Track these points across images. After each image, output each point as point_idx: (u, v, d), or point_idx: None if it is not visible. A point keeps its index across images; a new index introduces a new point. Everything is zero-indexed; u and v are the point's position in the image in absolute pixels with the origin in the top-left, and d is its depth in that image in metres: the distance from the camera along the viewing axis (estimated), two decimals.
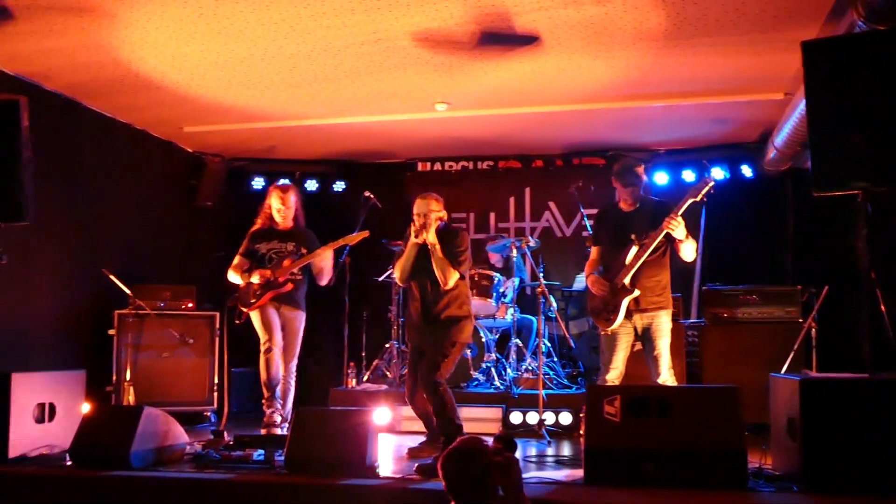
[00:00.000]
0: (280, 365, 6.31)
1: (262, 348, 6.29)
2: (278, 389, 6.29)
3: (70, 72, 6.61)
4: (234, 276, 6.40)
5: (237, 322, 6.38)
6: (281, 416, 6.27)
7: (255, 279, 6.23)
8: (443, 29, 5.77)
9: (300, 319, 6.41)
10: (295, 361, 6.39)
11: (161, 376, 7.48)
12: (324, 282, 6.45)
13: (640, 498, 4.20)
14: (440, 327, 5.54)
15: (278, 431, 6.11)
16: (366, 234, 6.39)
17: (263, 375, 6.27)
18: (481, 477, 3.11)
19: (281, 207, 6.39)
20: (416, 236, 5.54)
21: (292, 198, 6.45)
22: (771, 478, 4.62)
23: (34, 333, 6.88)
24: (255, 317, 6.33)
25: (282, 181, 6.86)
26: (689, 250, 5.39)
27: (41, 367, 6.09)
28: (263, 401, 6.29)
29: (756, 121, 7.97)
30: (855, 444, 4.30)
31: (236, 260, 6.45)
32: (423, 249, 5.57)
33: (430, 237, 5.47)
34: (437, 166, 9.64)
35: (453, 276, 5.48)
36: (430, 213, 5.57)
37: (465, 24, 5.69)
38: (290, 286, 6.28)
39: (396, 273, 5.78)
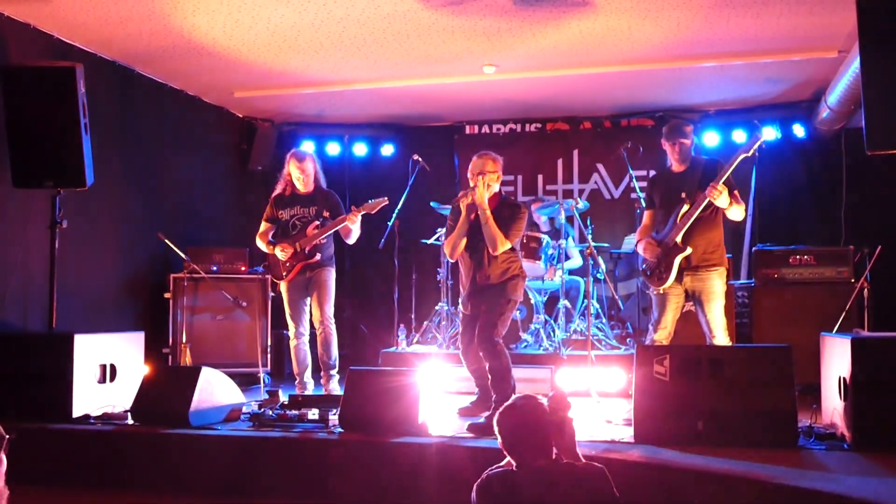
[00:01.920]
0: (307, 353, 6.46)
1: (290, 335, 6.46)
2: (309, 371, 6.48)
3: (123, 39, 6.72)
4: (260, 244, 6.53)
5: (272, 293, 6.50)
6: (307, 386, 6.46)
7: (280, 254, 6.32)
8: None
9: (328, 275, 6.43)
10: (330, 308, 6.39)
11: (215, 338, 7.64)
12: (351, 241, 6.47)
13: (690, 456, 4.24)
14: (495, 289, 5.54)
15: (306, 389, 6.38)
16: (385, 201, 6.36)
17: (294, 364, 6.46)
18: (538, 434, 3.16)
19: (300, 176, 6.41)
20: (468, 201, 5.49)
21: (310, 165, 6.44)
22: (822, 436, 4.61)
23: (95, 296, 7.08)
24: (284, 292, 6.44)
25: (296, 149, 6.81)
26: (736, 214, 5.36)
27: (102, 329, 6.25)
28: (297, 381, 6.49)
29: (808, 80, 7.84)
30: None
31: (262, 227, 6.55)
32: (474, 222, 5.56)
33: (479, 197, 5.41)
34: (485, 129, 9.64)
35: (504, 245, 5.46)
36: (485, 173, 5.52)
37: None
38: (317, 256, 6.33)
39: (447, 249, 5.73)
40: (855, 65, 5.88)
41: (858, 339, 4.48)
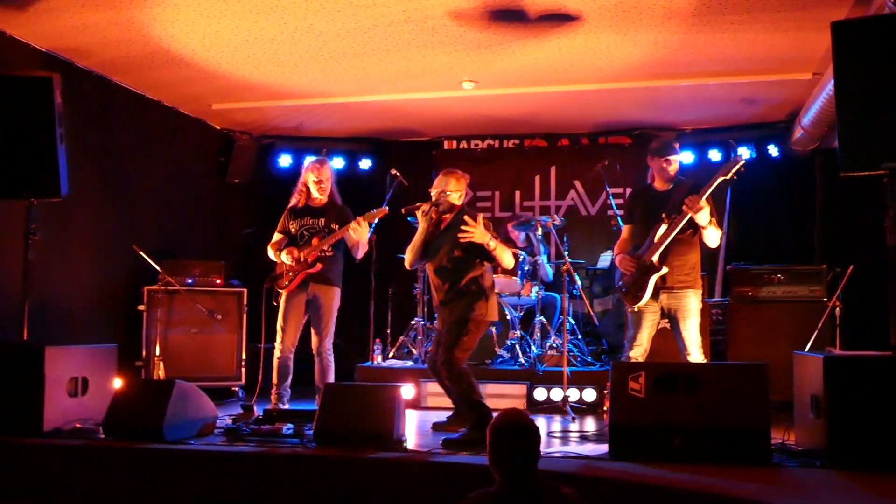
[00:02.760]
0: (290, 368, 6.27)
1: (276, 346, 6.27)
2: (288, 384, 6.28)
3: (101, 48, 6.68)
4: (271, 254, 6.41)
5: (274, 303, 6.38)
6: (284, 399, 6.27)
7: (285, 259, 6.22)
8: (471, 8, 5.79)
9: (332, 295, 6.27)
10: (330, 339, 6.27)
11: (190, 351, 7.57)
12: (359, 255, 6.34)
13: (664, 472, 4.25)
14: (453, 306, 5.49)
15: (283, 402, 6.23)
16: (385, 210, 6.30)
17: (274, 374, 6.26)
18: (529, 452, 3.19)
19: (319, 178, 6.32)
20: (426, 212, 5.55)
21: (327, 170, 6.40)
22: (795, 454, 4.66)
23: (67, 309, 7.00)
24: (282, 302, 6.29)
25: (317, 157, 6.79)
26: (712, 237, 5.39)
27: (74, 341, 6.19)
28: (273, 391, 6.28)
29: (784, 100, 7.94)
30: (878, 421, 4.33)
31: (275, 237, 6.44)
32: (435, 230, 5.59)
33: (479, 236, 5.31)
34: (464, 145, 9.68)
35: (509, 259, 5.46)
36: (446, 191, 5.56)
37: (493, 3, 5.70)
38: (319, 266, 6.20)
39: (406, 257, 5.72)
40: (829, 87, 5.97)
41: (830, 358, 4.52)
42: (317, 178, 6.34)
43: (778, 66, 6.98)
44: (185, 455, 4.94)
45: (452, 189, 5.59)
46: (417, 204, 5.71)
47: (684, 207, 5.20)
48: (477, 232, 5.31)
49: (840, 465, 4.31)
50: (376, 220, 6.26)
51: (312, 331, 6.29)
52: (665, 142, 5.66)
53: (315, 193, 6.37)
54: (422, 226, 5.61)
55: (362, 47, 6.59)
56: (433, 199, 5.59)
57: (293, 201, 6.47)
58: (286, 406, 6.25)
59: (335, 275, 6.32)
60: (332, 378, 6.27)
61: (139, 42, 6.52)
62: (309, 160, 6.59)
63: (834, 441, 4.37)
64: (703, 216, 5.21)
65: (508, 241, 8.25)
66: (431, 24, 6.08)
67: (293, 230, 6.36)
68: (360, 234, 6.14)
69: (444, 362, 5.38)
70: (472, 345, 5.48)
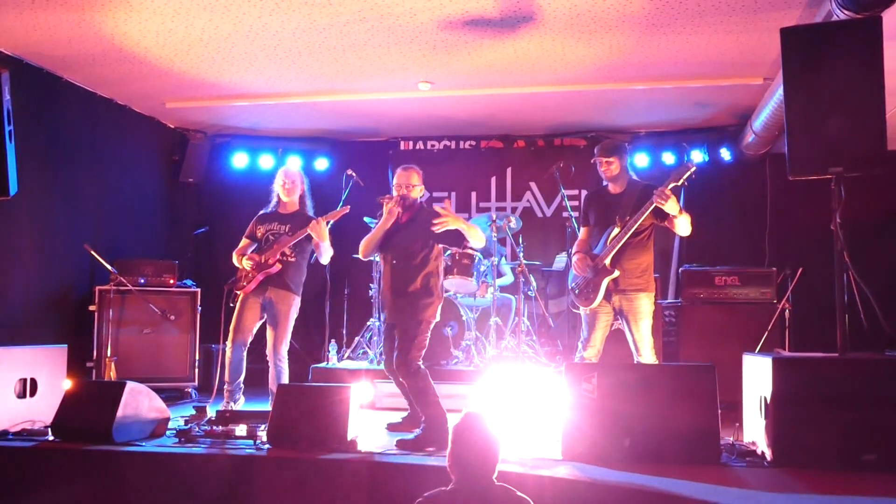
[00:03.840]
0: (243, 364, 6.15)
1: (228, 344, 6.16)
2: (240, 381, 6.16)
3: (51, 45, 6.57)
4: (235, 259, 6.29)
5: (231, 304, 6.29)
6: (236, 397, 6.17)
7: (246, 264, 6.12)
8: (427, 9, 5.80)
9: (289, 302, 6.16)
10: (285, 345, 6.16)
11: (142, 352, 7.50)
12: (325, 258, 6.26)
13: (615, 473, 4.29)
14: (408, 303, 5.47)
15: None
16: (346, 209, 6.26)
17: (226, 373, 6.15)
18: (488, 454, 3.23)
19: (284, 181, 6.27)
20: (391, 208, 5.55)
21: (296, 175, 6.34)
22: (743, 453, 4.72)
23: (15, 309, 6.89)
24: (238, 303, 6.19)
25: (288, 166, 6.69)
26: (684, 224, 5.40)
27: (22, 342, 6.10)
28: (226, 388, 6.19)
29: (736, 105, 8.06)
30: (824, 421, 4.42)
31: (241, 243, 6.33)
32: (392, 229, 5.59)
33: (453, 223, 5.38)
34: (420, 145, 9.69)
35: (478, 237, 5.48)
36: (410, 186, 5.59)
37: (449, 4, 5.72)
38: (278, 267, 6.09)
39: (361, 246, 5.70)
40: (779, 92, 6.06)
41: (778, 359, 4.60)
42: (282, 180, 6.29)
43: (730, 70, 7.08)
44: (136, 457, 4.89)
45: (415, 182, 5.64)
46: (389, 196, 5.67)
47: (654, 198, 5.22)
48: (450, 218, 5.36)
49: (786, 464, 4.41)
50: (334, 220, 6.20)
51: (269, 336, 6.19)
52: (604, 144, 5.69)
53: (282, 195, 6.30)
54: (384, 218, 5.60)
55: (318, 46, 6.56)
56: (399, 194, 5.60)
57: (268, 208, 6.39)
58: (238, 405, 6.19)
59: (294, 282, 6.21)
60: (286, 382, 6.15)
61: (90, 39, 6.43)
62: (282, 170, 6.49)
63: (780, 440, 4.46)
64: (672, 206, 5.24)
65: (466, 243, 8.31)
66: (387, 24, 6.08)
67: (259, 234, 6.28)
68: (319, 232, 6.05)
69: (402, 363, 5.36)
70: (426, 344, 5.48)
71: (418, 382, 5.35)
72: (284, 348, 6.16)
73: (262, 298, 6.15)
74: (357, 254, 5.69)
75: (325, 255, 6.23)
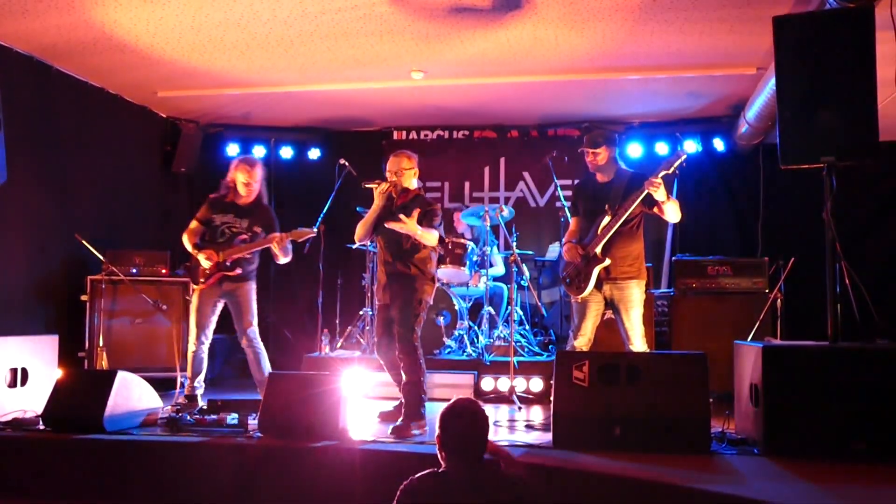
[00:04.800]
0: (204, 360, 6.21)
1: (191, 341, 6.18)
2: (201, 378, 6.22)
3: (42, 33, 6.54)
4: (186, 242, 6.25)
5: (187, 297, 6.30)
6: (199, 391, 6.21)
7: (204, 261, 6.08)
8: None
9: (248, 289, 6.22)
10: (254, 327, 6.19)
11: (134, 342, 7.48)
12: (281, 262, 6.28)
13: (606, 461, 4.30)
14: (404, 285, 5.55)
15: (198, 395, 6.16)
16: (313, 233, 6.23)
17: (189, 369, 6.19)
18: (478, 440, 3.25)
19: (249, 181, 6.20)
20: (384, 191, 5.63)
21: (259, 172, 6.29)
22: (733, 441, 4.74)
23: (6, 298, 6.86)
24: (195, 297, 6.19)
25: (247, 155, 6.64)
26: (672, 211, 5.37)
27: (13, 332, 6.07)
28: (188, 385, 6.23)
29: (729, 95, 8.05)
30: (814, 409, 4.43)
31: (192, 224, 6.28)
32: (390, 207, 5.65)
33: (411, 229, 5.45)
34: (413, 135, 9.66)
35: (432, 238, 5.52)
36: (401, 171, 5.66)
37: None
38: (238, 270, 6.12)
39: (358, 230, 5.78)
40: (772, 82, 6.05)
41: (769, 348, 4.61)
42: (246, 181, 6.21)
43: (723, 60, 7.07)
44: (127, 446, 4.89)
45: (406, 167, 5.70)
46: (378, 181, 5.73)
47: (646, 184, 5.22)
48: (408, 226, 5.44)
49: (776, 452, 4.42)
50: (298, 240, 6.20)
51: (236, 326, 6.22)
52: (591, 134, 5.67)
53: (243, 192, 6.24)
54: (377, 203, 5.68)
55: (310, 35, 6.54)
56: (390, 180, 5.67)
57: (219, 192, 6.32)
58: (196, 397, 6.21)
59: (250, 272, 6.26)
60: (267, 364, 6.21)
61: (81, 27, 6.40)
62: (239, 159, 6.42)
63: (771, 429, 4.47)
64: (661, 193, 5.24)
65: (459, 233, 8.33)
66: (379, 12, 6.05)
67: (216, 223, 6.22)
68: (283, 249, 6.10)
69: (403, 337, 5.44)
70: (423, 322, 5.60)
71: (414, 355, 5.45)
72: (255, 330, 6.21)
73: (220, 291, 6.18)
74: (350, 244, 5.70)
75: (283, 261, 6.25)
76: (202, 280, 6.13)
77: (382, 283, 5.68)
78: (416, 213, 5.52)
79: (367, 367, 7.16)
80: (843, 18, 4.71)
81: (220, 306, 6.24)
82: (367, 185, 5.77)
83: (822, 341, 4.80)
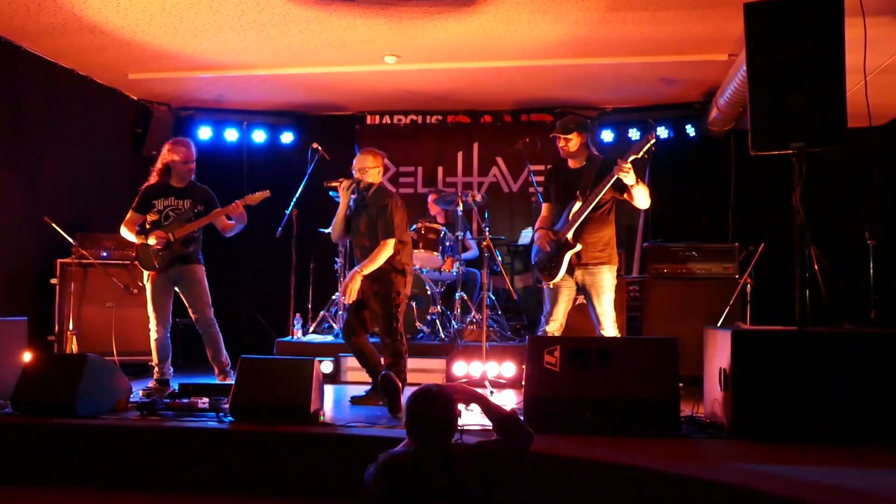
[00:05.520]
0: (169, 345, 6.26)
1: (152, 328, 6.21)
2: (168, 363, 6.28)
3: (9, 14, 6.44)
4: (127, 234, 6.22)
5: (140, 284, 6.32)
6: (168, 376, 6.25)
7: (153, 241, 6.06)
8: None
9: (199, 271, 6.25)
10: (210, 311, 6.21)
11: (105, 326, 7.38)
12: (228, 235, 6.31)
13: (577, 444, 4.33)
14: (382, 285, 5.70)
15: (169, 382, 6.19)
16: (267, 193, 6.23)
17: (154, 354, 6.23)
18: (444, 423, 3.28)
19: (188, 160, 6.20)
20: (348, 188, 5.76)
21: (194, 152, 6.28)
22: (703, 425, 4.79)
23: None
24: (150, 283, 6.19)
25: (177, 137, 6.58)
26: (642, 195, 5.38)
27: None
28: (155, 366, 6.28)
29: (701, 81, 8.09)
30: (783, 393, 4.49)
31: (129, 215, 6.26)
32: (356, 205, 5.80)
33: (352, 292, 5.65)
34: (387, 119, 9.64)
35: (388, 240, 5.64)
36: (365, 169, 5.78)
37: None
38: (191, 247, 6.15)
39: (332, 231, 5.97)
40: (744, 68, 6.08)
41: (738, 332, 4.66)
42: (185, 160, 6.20)
43: (695, 46, 7.10)
44: (98, 430, 4.85)
45: (370, 165, 5.80)
46: (340, 179, 5.82)
47: (615, 168, 5.23)
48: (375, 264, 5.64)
49: (744, 435, 4.48)
50: (254, 204, 6.20)
51: (191, 312, 6.22)
52: (563, 121, 5.69)
53: (180, 173, 6.22)
54: (343, 201, 5.79)
55: (282, 18, 6.49)
56: (354, 177, 5.78)
57: (151, 179, 6.30)
58: (168, 378, 6.24)
59: (199, 254, 6.29)
60: (223, 346, 6.23)
61: (50, 8, 6.31)
62: (172, 141, 6.37)
63: (740, 413, 4.53)
64: (630, 177, 5.26)
65: (432, 217, 8.34)
66: None
67: (158, 208, 6.19)
68: (242, 216, 6.14)
69: (390, 332, 5.65)
70: (402, 315, 5.77)
71: (403, 347, 5.68)
72: (210, 311, 6.22)
73: (171, 275, 6.18)
74: (323, 228, 5.71)
75: (232, 232, 6.28)
76: (157, 264, 6.10)
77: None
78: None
79: (338, 351, 7.16)
80: (813, 5, 4.75)
81: (173, 290, 6.25)
82: (327, 185, 5.90)
83: (791, 326, 4.86)
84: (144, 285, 6.26)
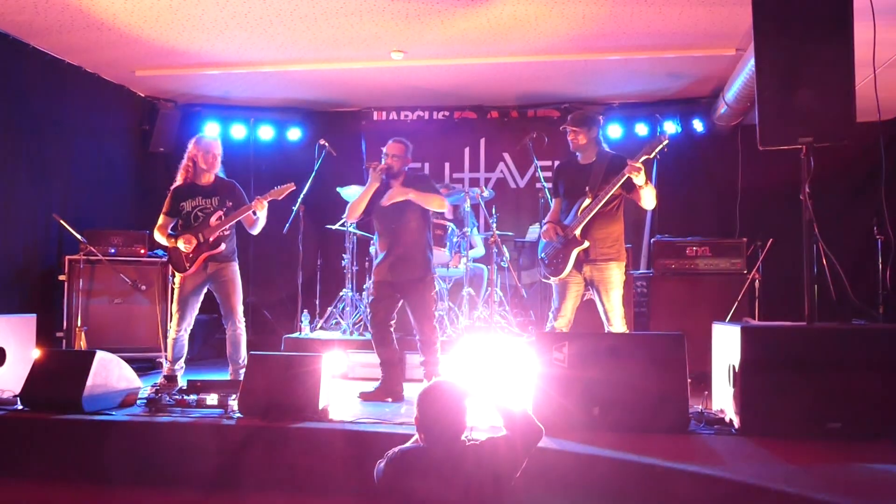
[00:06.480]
0: (185, 345, 6.19)
1: (172, 326, 6.14)
2: (181, 362, 6.21)
3: (16, 10, 6.46)
4: (159, 237, 6.17)
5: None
6: (177, 373, 6.18)
7: (183, 246, 6.01)
8: None
9: (234, 270, 6.19)
10: (240, 310, 6.16)
11: (113, 322, 7.44)
12: (255, 232, 6.24)
13: (585, 440, 4.32)
14: (415, 281, 5.82)
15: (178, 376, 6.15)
16: (292, 186, 6.19)
17: (169, 352, 6.15)
18: (455, 418, 3.30)
19: (213, 161, 6.12)
20: (380, 169, 5.85)
21: (220, 149, 6.20)
22: (711, 421, 4.77)
23: None
24: (179, 283, 6.12)
25: (203, 135, 6.51)
26: (648, 197, 5.39)
27: None
28: (167, 364, 6.22)
29: (708, 76, 8.07)
30: (791, 389, 4.47)
31: (161, 220, 6.19)
32: (380, 189, 5.82)
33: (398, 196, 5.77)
34: (393, 115, 9.64)
35: (441, 202, 5.89)
36: (396, 154, 5.88)
37: None
38: (222, 247, 6.07)
39: (351, 210, 5.96)
40: (751, 63, 6.06)
41: (746, 328, 4.65)
42: (213, 159, 6.12)
43: (703, 41, 7.09)
44: (106, 426, 4.87)
45: (402, 153, 5.92)
46: (376, 162, 5.96)
47: (626, 168, 5.23)
48: (396, 193, 5.80)
49: (753, 432, 4.45)
50: (279, 198, 6.15)
51: (223, 310, 6.18)
52: (575, 114, 5.70)
53: (205, 167, 6.11)
54: (371, 183, 5.84)
55: (289, 14, 6.49)
56: (386, 161, 5.88)
57: (179, 181, 6.20)
58: (175, 376, 6.18)
59: (232, 251, 6.22)
60: (244, 346, 6.19)
61: (57, 5, 6.32)
62: (196, 138, 6.25)
63: (748, 409, 4.51)
64: (641, 177, 5.25)
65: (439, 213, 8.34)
66: None
67: (187, 210, 6.12)
68: (264, 212, 6.09)
69: (429, 317, 5.91)
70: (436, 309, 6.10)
71: (438, 336, 5.97)
72: (241, 313, 6.20)
73: (205, 274, 6.12)
74: (330, 225, 5.71)
75: (257, 228, 6.21)
76: (188, 266, 6.04)
77: (390, 262, 5.86)
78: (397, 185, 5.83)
79: (347, 347, 7.16)
80: None
81: (203, 291, 6.18)
82: (368, 167, 6.01)
83: (799, 322, 4.84)
84: (173, 287, 6.22)
